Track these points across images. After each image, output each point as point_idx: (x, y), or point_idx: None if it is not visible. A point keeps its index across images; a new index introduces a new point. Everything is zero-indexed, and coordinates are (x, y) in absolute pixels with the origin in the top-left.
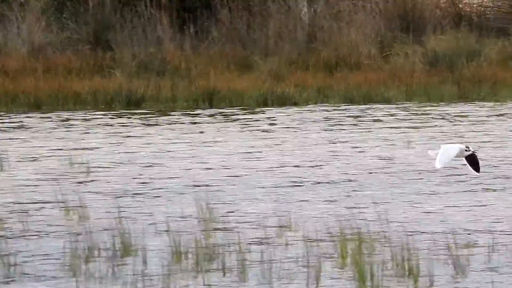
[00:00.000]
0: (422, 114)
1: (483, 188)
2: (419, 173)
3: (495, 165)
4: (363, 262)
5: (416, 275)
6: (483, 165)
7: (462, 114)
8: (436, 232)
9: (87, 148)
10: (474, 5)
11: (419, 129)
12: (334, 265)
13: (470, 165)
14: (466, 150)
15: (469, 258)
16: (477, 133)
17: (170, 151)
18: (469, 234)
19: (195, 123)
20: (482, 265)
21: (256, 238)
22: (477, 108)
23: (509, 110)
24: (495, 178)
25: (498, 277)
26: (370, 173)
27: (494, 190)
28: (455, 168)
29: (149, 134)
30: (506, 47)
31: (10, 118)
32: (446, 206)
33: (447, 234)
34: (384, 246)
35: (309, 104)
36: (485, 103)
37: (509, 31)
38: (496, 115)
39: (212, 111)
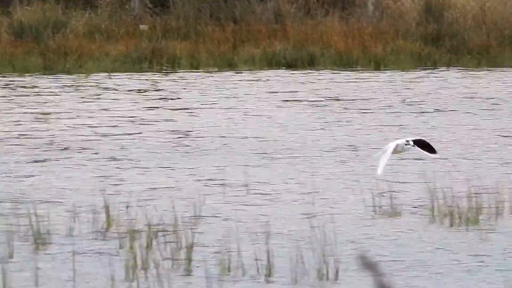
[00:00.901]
0: (6, 85)
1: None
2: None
3: (70, 134)
4: None
5: None
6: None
7: (44, 86)
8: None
9: None
10: None
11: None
12: None
13: (423, 150)
14: (406, 145)
15: (49, 230)
16: (50, 105)
17: None
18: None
19: None
20: (62, 236)
21: None
22: (60, 80)
23: (90, 82)
24: (58, 150)
25: (78, 245)
26: None
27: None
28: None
29: None
30: (92, 20)
31: None
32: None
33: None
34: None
35: None
36: (70, 75)
37: (96, 4)
38: (73, 86)
39: None
